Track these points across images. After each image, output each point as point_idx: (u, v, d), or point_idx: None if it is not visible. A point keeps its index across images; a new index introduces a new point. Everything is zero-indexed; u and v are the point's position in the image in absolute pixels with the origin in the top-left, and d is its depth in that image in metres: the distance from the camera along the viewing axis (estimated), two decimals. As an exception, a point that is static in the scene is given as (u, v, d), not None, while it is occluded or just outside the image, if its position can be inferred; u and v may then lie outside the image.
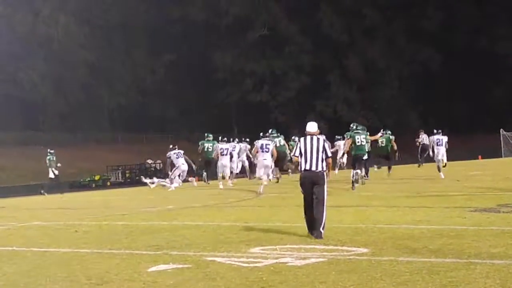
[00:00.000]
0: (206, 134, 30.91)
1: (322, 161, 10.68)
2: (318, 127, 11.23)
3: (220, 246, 9.78)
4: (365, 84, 79.57)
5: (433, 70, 78.71)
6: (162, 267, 8.35)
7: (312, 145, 10.72)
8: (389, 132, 29.81)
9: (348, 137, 23.49)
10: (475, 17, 79.12)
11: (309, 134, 10.93)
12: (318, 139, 10.86)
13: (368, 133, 23.73)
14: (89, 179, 50.25)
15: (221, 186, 26.61)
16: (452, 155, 37.71)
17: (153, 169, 56.56)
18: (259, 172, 24.24)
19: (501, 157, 52.74)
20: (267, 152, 24.06)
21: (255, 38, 77.08)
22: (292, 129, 45.33)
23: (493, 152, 47.68)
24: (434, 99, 78.41)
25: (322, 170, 10.68)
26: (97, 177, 51.69)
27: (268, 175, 25.50)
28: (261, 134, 26.52)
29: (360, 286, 6.68)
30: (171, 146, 30.70)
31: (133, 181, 44.61)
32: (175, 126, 77.33)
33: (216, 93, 76.48)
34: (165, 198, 22.83)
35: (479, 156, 39.11)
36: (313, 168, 10.63)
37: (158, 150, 64.68)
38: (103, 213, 17.47)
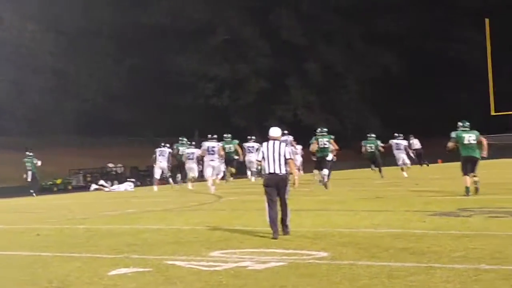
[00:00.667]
0: (180, 138, 31.51)
1: (285, 164, 11.11)
2: (286, 131, 11.88)
3: (181, 250, 9.76)
4: (325, 88, 79.90)
5: (392, 73, 79.33)
6: (122, 270, 8.31)
7: (274, 149, 11.14)
8: (374, 135, 30.46)
9: (314, 140, 24.22)
10: (433, 21, 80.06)
11: (272, 139, 11.33)
12: (280, 143, 11.31)
13: (333, 136, 24.39)
14: (50, 182, 49.79)
15: (190, 187, 27.68)
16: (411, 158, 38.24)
17: (114, 173, 56.24)
18: (208, 173, 25.56)
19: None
20: (213, 154, 25.49)
21: (217, 42, 77.06)
22: (252, 133, 45.27)
23: (453, 156, 48.03)
24: (394, 102, 78.97)
25: (286, 172, 11.13)
26: (58, 181, 51.23)
27: (217, 176, 27.04)
28: (208, 136, 27.22)
29: (320, 290, 6.70)
30: (162, 144, 30.91)
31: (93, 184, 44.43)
32: (139, 130, 77.22)
33: (178, 97, 76.32)
34: (126, 202, 22.71)
35: (439, 160, 39.52)
36: (277, 171, 11.07)
37: (123, 154, 64.55)
38: (65, 217, 17.30)
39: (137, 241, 11.09)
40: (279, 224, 10.92)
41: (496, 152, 55.79)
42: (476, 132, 18.72)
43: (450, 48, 77.98)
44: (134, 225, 13.89)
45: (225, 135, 31.20)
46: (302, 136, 36.99)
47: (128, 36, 73.87)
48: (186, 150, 29.30)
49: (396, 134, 32.38)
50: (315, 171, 25.09)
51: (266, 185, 11.21)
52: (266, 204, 11.16)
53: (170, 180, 30.59)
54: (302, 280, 7.15)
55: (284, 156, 11.12)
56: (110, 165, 56.26)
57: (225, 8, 77.29)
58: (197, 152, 28.24)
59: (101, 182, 35.90)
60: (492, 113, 53.26)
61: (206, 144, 26.33)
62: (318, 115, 76.74)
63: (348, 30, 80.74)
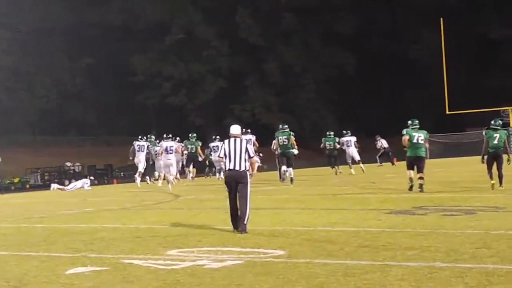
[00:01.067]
0: (148, 136, 31.90)
1: (245, 161, 11.45)
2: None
3: (138, 249, 9.73)
4: (283, 88, 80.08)
5: (349, 73, 79.84)
6: (80, 269, 8.27)
7: (235, 147, 11.48)
8: (332, 133, 31.23)
9: (276, 138, 25.54)
10: (389, 21, 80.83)
11: (232, 137, 11.67)
12: (241, 141, 11.67)
13: (292, 133, 25.46)
14: (8, 181, 49.31)
15: (160, 184, 27.93)
16: (368, 157, 38.59)
17: (72, 171, 55.91)
18: (165, 170, 27.29)
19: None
20: (171, 153, 26.91)
21: (172, 41, 76.74)
22: (210, 132, 45.37)
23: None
24: (351, 102, 79.46)
25: (245, 169, 11.44)
26: (16, 180, 50.89)
27: (175, 174, 27.86)
28: (164, 136, 28.34)
29: (276, 288, 6.74)
30: (140, 137, 30.50)
31: (53, 184, 44.05)
32: (94, 129, 76.73)
33: (135, 96, 75.92)
34: (83, 200, 22.54)
35: (395, 159, 39.86)
36: (237, 168, 11.37)
37: (78, 153, 64.03)
38: (22, 216, 17.14)
39: (94, 240, 11.03)
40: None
41: (450, 151, 56.66)
42: (424, 131, 19.17)
43: (407, 48, 78.73)
44: (91, 224, 13.81)
45: (190, 135, 31.79)
46: (260, 135, 37.11)
47: (83, 34, 73.22)
48: (155, 147, 29.51)
49: (344, 131, 33.00)
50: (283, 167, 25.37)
51: (226, 182, 11.59)
52: (228, 198, 11.48)
53: (147, 177, 30.77)
54: (258, 278, 7.18)
55: (247, 153, 11.49)
56: (68, 164, 55.98)
57: (181, 7, 77.05)
58: (159, 150, 28.54)
59: (57, 186, 35.41)
60: (447, 112, 54.00)
61: (164, 144, 27.36)
62: (276, 115, 76.92)
63: (306, 30, 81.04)
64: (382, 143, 39.52)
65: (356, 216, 12.77)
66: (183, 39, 76.92)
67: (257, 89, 79.33)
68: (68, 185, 35.91)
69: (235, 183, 11.35)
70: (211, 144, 33.08)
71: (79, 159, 58.24)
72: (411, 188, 18.16)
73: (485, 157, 18.00)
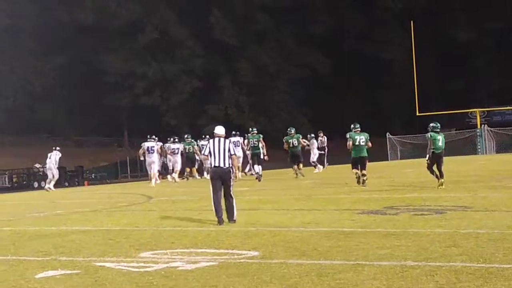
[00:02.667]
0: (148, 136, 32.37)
1: (229, 159, 12.83)
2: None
3: (110, 251, 9.67)
4: (257, 88, 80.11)
5: (322, 74, 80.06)
6: (50, 273, 8.18)
7: (219, 146, 12.88)
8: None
9: (247, 139, 29.27)
10: (362, 22, 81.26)
11: (217, 136, 13.11)
12: (224, 140, 13.11)
13: (261, 135, 29.38)
14: (-26, 183, 48.73)
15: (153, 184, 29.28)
16: (339, 159, 38.61)
17: (41, 173, 55.32)
18: (148, 168, 30.48)
19: (388, 160, 54.25)
20: (153, 153, 29.64)
21: (146, 41, 76.31)
22: (183, 132, 45.20)
23: (380, 155, 49.00)
24: (324, 103, 79.74)
25: (229, 166, 12.86)
26: (-19, 182, 50.21)
27: (155, 172, 30.27)
28: (148, 137, 30.70)
29: (250, 289, 6.73)
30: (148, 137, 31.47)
31: (21, 186, 43.47)
32: (64, 130, 75.89)
33: (106, 96, 75.29)
34: (53, 202, 22.36)
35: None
36: (221, 165, 12.76)
37: (46, 154, 63.28)
38: (-12, 219, 16.91)
39: (65, 243, 10.92)
40: (224, 213, 12.59)
41: (420, 152, 57.11)
42: (366, 134, 21.92)
43: (379, 49, 79.16)
44: (62, 226, 13.67)
45: (186, 136, 33.52)
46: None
47: (52, 33, 72.28)
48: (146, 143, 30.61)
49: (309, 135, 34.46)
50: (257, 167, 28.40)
51: (211, 177, 13.00)
52: (212, 193, 12.75)
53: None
54: (232, 279, 7.18)
55: (229, 151, 12.86)
56: (37, 165, 55.29)
57: (155, 7, 76.71)
58: (140, 150, 30.61)
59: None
60: (417, 113, 54.47)
61: (146, 144, 30.04)
62: (248, 115, 77.02)
63: (279, 30, 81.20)
64: (323, 141, 37.39)
65: (329, 216, 12.83)
66: (157, 39, 76.55)
67: (230, 90, 79.30)
68: (44, 186, 35.50)
69: (220, 179, 12.71)
70: (200, 143, 33.66)
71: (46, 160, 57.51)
72: (358, 180, 21.23)
73: (429, 157, 19.64)
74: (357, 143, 21.50)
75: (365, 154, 21.62)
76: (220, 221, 12.29)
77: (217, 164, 12.70)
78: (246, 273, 7.50)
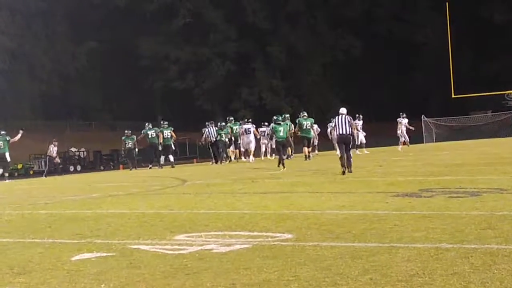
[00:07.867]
0: (146, 124, 35.85)
1: (349, 128, 19.59)
2: (251, 119, 17.05)
3: (145, 234, 9.71)
4: (289, 71, 79.96)
5: (355, 56, 79.65)
6: (86, 255, 8.22)
7: (343, 120, 19.47)
8: (281, 118, 30.40)
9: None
10: (395, 4, 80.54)
11: (341, 114, 19.61)
12: (345, 116, 19.60)
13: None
14: (11, 168, 49.17)
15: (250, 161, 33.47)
16: (374, 141, 38.47)
17: (76, 157, 55.78)
18: (245, 147, 34.77)
19: (423, 142, 53.90)
20: (250, 133, 34.10)
21: (179, 25, 76.43)
22: (217, 116, 45.12)
23: (415, 137, 48.75)
24: (357, 86, 79.36)
25: (349, 133, 19.66)
26: (19, 166, 50.69)
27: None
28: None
29: (284, 271, 6.70)
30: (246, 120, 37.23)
31: (57, 170, 43.76)
32: (98, 114, 76.39)
33: (140, 80, 75.65)
34: (88, 186, 22.57)
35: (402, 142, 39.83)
36: (344, 132, 19.44)
37: (82, 138, 63.80)
38: (26, 202, 17.09)
39: (100, 225, 10.98)
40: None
41: (455, 134, 56.65)
42: (311, 119, 30.79)
43: (412, 32, 78.50)
44: (97, 209, 13.78)
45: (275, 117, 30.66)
46: (267, 119, 37.05)
47: (86, 17, 72.62)
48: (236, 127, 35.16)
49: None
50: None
51: (337, 142, 20.70)
52: (339, 151, 20.67)
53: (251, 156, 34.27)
54: (266, 262, 7.17)
55: (349, 122, 19.57)
56: (73, 149, 55.76)
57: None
58: (253, 128, 34.80)
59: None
60: (453, 95, 53.92)
61: (235, 127, 34.94)
62: (283, 99, 76.91)
63: (312, 13, 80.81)
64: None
65: (363, 199, 12.74)
66: (191, 22, 76.57)
67: (263, 73, 79.19)
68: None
69: (344, 142, 19.33)
70: (245, 126, 35.04)
71: (84, 145, 57.89)
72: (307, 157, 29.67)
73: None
74: (304, 127, 29.66)
75: (310, 135, 30.53)
76: (344, 171, 18.77)
77: (341, 132, 19.09)
78: (279, 255, 7.49)
